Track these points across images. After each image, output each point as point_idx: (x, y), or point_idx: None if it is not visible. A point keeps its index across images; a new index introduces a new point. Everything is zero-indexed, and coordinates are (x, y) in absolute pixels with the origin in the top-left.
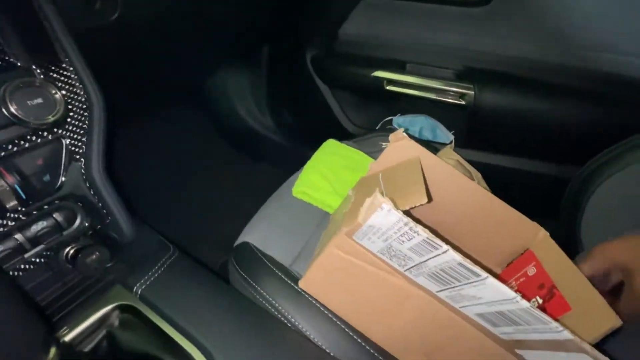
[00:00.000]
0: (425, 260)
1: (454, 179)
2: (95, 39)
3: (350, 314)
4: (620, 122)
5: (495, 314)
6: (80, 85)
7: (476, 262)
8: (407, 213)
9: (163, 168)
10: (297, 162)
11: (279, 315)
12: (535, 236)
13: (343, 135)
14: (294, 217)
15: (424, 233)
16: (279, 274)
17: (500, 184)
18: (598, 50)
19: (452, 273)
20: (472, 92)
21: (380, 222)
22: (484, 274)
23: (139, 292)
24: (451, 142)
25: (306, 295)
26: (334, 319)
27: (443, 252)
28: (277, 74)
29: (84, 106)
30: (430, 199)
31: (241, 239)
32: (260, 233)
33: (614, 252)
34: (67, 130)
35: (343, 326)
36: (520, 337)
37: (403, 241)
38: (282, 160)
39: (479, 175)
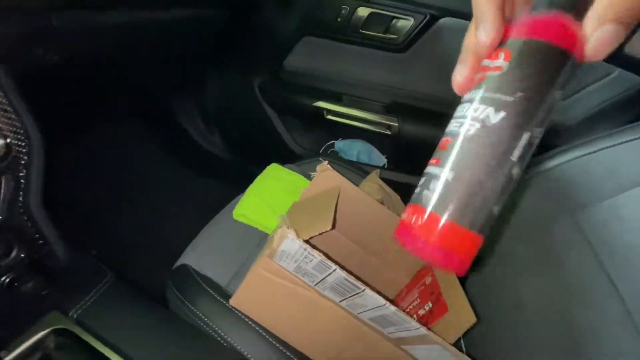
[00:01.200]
0: (325, 277)
1: (368, 205)
2: (36, 77)
3: (275, 325)
4: None
5: (380, 317)
6: (21, 127)
7: (390, 274)
8: (323, 236)
9: (106, 185)
10: (244, 179)
11: (212, 332)
12: None
13: (289, 156)
14: (233, 238)
15: (318, 256)
16: (213, 293)
17: None
18: None
19: (344, 287)
20: (396, 124)
21: (289, 248)
22: (362, 287)
23: (75, 317)
24: (384, 165)
25: (237, 312)
26: (261, 331)
27: (333, 271)
28: (227, 95)
29: (24, 144)
30: (334, 226)
31: (180, 261)
32: (199, 255)
33: None
34: (7, 167)
35: (269, 337)
36: (400, 335)
37: (307, 262)
38: (230, 177)
39: (398, 197)
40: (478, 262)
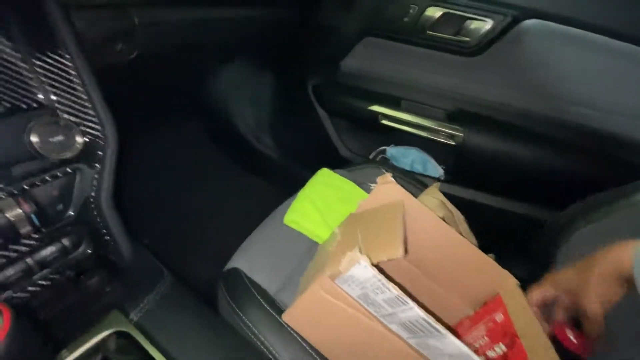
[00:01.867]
0: (397, 312)
1: (434, 224)
2: (111, 73)
3: (328, 349)
4: (595, 172)
5: None
6: (99, 124)
7: (449, 300)
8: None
9: (160, 178)
10: (291, 180)
11: (262, 347)
12: (505, 283)
13: (338, 160)
14: (283, 244)
15: (395, 291)
16: (264, 304)
17: (482, 221)
18: (576, 104)
19: (418, 325)
20: (462, 134)
21: (358, 274)
22: (444, 331)
23: (135, 320)
24: (440, 177)
25: (288, 328)
26: (313, 353)
27: (409, 309)
28: (280, 96)
29: (101, 142)
30: (406, 251)
31: (231, 264)
32: (250, 259)
33: (560, 279)
34: (83, 164)
35: None
36: None
37: (377, 293)
38: (278, 177)
39: (461, 216)
40: None
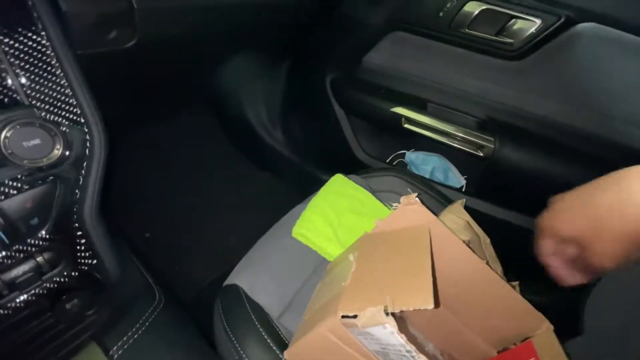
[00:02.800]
0: None
1: (461, 254)
2: (107, 62)
3: None
4: None
5: None
6: (85, 125)
7: (469, 337)
8: None
9: (165, 170)
10: (303, 177)
11: None
12: (538, 327)
13: (352, 161)
14: (289, 259)
15: None
16: (265, 337)
17: (505, 240)
18: (634, 125)
19: None
20: (492, 146)
21: (380, 335)
22: None
23: (115, 357)
24: (462, 187)
25: None
26: None
27: None
28: (295, 89)
29: (85, 145)
30: (438, 304)
31: (231, 279)
32: (252, 275)
33: (564, 228)
34: (64, 171)
35: None
36: None
37: (402, 359)
38: (289, 174)
39: (487, 240)
40: None
